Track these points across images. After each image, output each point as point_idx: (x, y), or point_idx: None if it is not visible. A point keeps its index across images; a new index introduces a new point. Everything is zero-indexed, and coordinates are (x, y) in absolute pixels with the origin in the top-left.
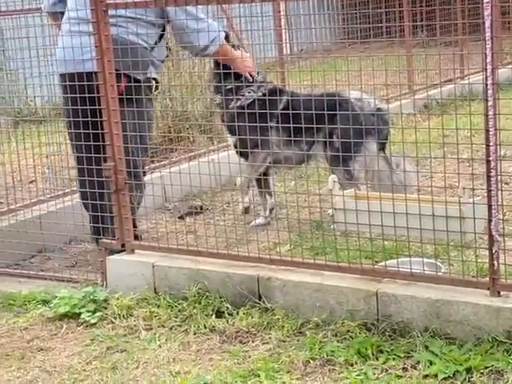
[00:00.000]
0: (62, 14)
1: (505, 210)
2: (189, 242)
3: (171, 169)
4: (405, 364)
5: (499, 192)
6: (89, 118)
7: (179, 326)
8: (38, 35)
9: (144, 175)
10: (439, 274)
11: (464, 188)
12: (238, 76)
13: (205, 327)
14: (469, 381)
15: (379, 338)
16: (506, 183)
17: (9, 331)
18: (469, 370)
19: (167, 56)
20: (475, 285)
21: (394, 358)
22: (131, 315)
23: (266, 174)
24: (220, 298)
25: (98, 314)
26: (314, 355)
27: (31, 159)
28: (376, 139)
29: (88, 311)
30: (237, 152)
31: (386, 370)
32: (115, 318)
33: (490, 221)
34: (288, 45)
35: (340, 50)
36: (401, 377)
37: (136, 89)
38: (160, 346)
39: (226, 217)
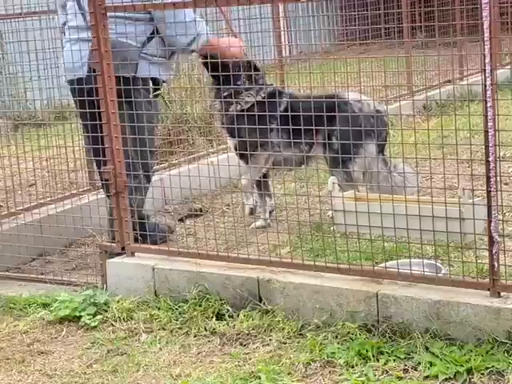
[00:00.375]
0: None
1: (504, 211)
2: (189, 245)
3: (171, 171)
4: (405, 365)
5: (499, 193)
6: (88, 122)
7: (180, 328)
8: (37, 39)
9: (148, 177)
10: (439, 275)
11: (464, 189)
12: (226, 68)
13: (205, 330)
14: (469, 382)
15: (379, 339)
16: (506, 184)
17: (9, 335)
18: (469, 371)
19: (172, 53)
20: (475, 286)
21: (394, 360)
22: (131, 318)
23: (265, 176)
24: (220, 300)
25: (99, 317)
26: (314, 357)
27: (31, 162)
28: (375, 141)
29: (88, 314)
30: (237, 154)
31: (387, 372)
32: (115, 321)
33: (489, 222)
34: (287, 47)
35: (339, 52)
36: (401, 378)
37: (128, 89)
38: (160, 349)
39: (226, 219)
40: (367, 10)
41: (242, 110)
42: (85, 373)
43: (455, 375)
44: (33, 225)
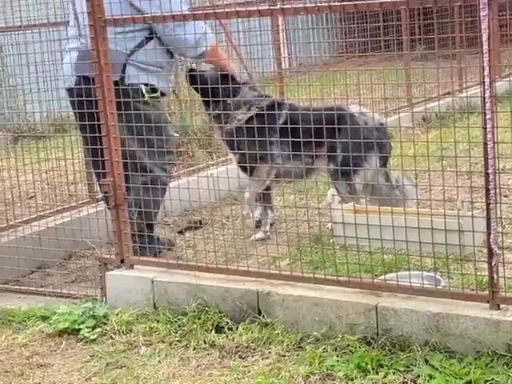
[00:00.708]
0: None
1: (504, 223)
2: (188, 257)
3: (170, 183)
4: (405, 378)
5: (498, 205)
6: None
7: (179, 341)
8: (36, 51)
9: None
10: (439, 287)
11: (463, 201)
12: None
13: (204, 342)
14: None
15: (379, 352)
16: (505, 196)
17: (8, 347)
18: None
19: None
20: (475, 298)
21: (393, 372)
22: (131, 331)
23: (267, 188)
24: (220, 313)
25: (98, 329)
26: (313, 370)
27: (30, 175)
28: (379, 154)
29: (87, 327)
30: (238, 167)
31: None
32: (115, 334)
33: (489, 234)
34: (287, 59)
35: (339, 64)
36: None
37: (117, 93)
38: (160, 362)
39: (226, 231)
40: (367, 23)
41: (237, 128)
42: None
43: None
44: (32, 237)
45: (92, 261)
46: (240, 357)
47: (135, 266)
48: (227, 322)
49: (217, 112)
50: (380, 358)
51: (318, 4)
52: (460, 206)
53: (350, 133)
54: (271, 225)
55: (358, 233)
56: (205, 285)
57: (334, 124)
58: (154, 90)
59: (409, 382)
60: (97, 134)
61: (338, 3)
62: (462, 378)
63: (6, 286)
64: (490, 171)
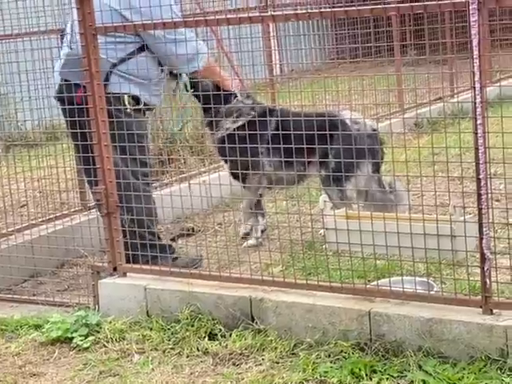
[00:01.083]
0: None
1: (496, 228)
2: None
3: (162, 191)
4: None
5: (490, 210)
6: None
7: (172, 349)
8: (28, 60)
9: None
10: (431, 292)
11: (455, 206)
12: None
13: (198, 350)
14: None
15: (372, 357)
16: (497, 201)
17: (1, 357)
18: None
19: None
20: (468, 303)
21: (387, 378)
22: (124, 339)
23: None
24: (213, 320)
25: (91, 338)
26: (307, 376)
27: (22, 183)
28: (371, 160)
29: (80, 335)
30: (230, 175)
31: None
32: (108, 342)
33: (481, 239)
34: (278, 65)
35: (330, 70)
36: None
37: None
38: (153, 370)
39: (218, 238)
40: (358, 29)
41: (224, 137)
42: None
43: None
44: (24, 246)
45: (84, 269)
46: (233, 364)
47: (128, 274)
48: (220, 329)
49: (208, 119)
50: (373, 364)
51: (309, 10)
52: (452, 211)
53: (342, 140)
54: (262, 231)
55: (350, 239)
56: (198, 292)
57: (325, 131)
58: (137, 101)
59: None
60: (88, 142)
61: (329, 9)
62: (455, 383)
63: None
64: (481, 176)
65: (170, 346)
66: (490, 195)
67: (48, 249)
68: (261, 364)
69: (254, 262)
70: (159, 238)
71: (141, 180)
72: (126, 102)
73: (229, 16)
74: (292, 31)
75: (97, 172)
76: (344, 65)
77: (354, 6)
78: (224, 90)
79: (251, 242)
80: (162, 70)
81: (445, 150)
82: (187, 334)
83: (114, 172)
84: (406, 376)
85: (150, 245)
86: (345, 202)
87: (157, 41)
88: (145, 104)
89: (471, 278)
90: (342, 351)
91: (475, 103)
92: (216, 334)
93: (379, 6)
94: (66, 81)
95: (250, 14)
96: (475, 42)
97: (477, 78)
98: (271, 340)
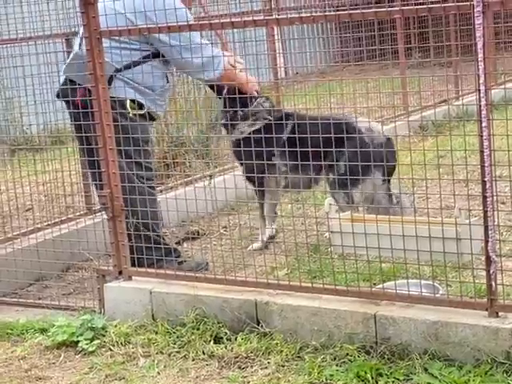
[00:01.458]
0: None
1: (501, 231)
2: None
3: (167, 194)
4: None
5: (495, 212)
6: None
7: (178, 352)
8: (33, 64)
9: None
10: (437, 295)
11: (460, 209)
12: (245, 103)
13: (203, 353)
14: None
15: (378, 361)
16: (503, 203)
17: (7, 360)
18: None
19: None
20: (473, 306)
21: (393, 381)
22: (129, 342)
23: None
24: (218, 323)
25: (96, 341)
26: (313, 379)
27: (28, 187)
28: (381, 171)
29: (86, 339)
30: (246, 178)
31: None
32: (113, 346)
33: (486, 241)
34: (283, 68)
35: (335, 73)
36: None
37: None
38: (159, 373)
39: (223, 241)
40: (362, 32)
41: (240, 140)
42: None
43: None
44: (30, 249)
45: (90, 272)
46: (239, 367)
47: (133, 278)
48: (226, 333)
49: (223, 122)
50: (379, 367)
51: (313, 14)
52: (457, 214)
53: (355, 146)
54: (271, 236)
55: (355, 242)
56: (203, 295)
57: (340, 137)
58: (140, 107)
59: None
60: (93, 146)
61: (333, 13)
62: None
63: (4, 298)
64: (487, 179)
65: (176, 350)
66: (495, 198)
67: (53, 252)
68: (266, 367)
69: (259, 266)
70: (165, 241)
71: (145, 184)
72: (128, 107)
73: (233, 19)
74: (297, 34)
75: (102, 175)
76: (349, 68)
77: (358, 9)
78: (244, 93)
79: (256, 245)
80: (168, 81)
81: (450, 152)
82: (193, 337)
83: (119, 176)
84: (411, 379)
85: (156, 248)
86: (351, 206)
87: (166, 47)
88: (148, 112)
89: (477, 281)
90: (347, 354)
91: (480, 106)
92: (221, 338)
93: (384, 9)
94: (70, 80)
95: (255, 18)
96: (480, 45)
97: (482, 80)
98: (277, 343)
